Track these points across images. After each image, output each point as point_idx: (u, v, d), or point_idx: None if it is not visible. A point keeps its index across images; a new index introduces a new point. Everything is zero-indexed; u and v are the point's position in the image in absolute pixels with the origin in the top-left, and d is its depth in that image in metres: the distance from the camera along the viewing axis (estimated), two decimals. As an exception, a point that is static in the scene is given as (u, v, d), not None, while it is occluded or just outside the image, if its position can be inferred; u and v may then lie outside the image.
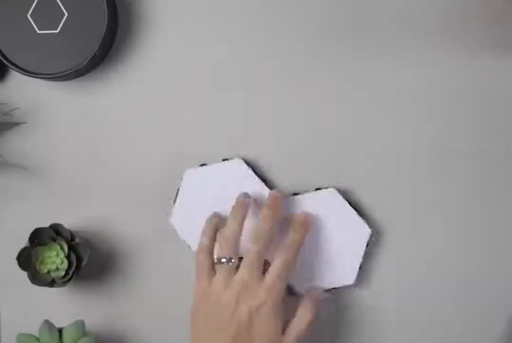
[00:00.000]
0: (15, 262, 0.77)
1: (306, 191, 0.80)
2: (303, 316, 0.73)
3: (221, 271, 0.72)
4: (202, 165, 0.81)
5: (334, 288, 0.79)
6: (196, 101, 0.81)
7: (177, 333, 0.81)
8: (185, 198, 0.80)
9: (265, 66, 0.81)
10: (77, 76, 0.82)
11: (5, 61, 0.80)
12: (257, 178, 0.79)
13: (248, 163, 0.80)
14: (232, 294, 0.71)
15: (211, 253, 0.75)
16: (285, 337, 0.72)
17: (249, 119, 0.81)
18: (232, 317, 0.71)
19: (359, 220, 0.79)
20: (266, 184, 0.80)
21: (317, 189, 0.80)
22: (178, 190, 0.80)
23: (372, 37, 0.81)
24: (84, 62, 0.79)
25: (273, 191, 0.77)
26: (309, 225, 0.77)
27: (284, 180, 0.81)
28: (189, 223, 0.80)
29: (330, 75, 0.81)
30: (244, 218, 0.75)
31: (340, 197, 0.79)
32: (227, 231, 0.74)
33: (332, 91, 0.81)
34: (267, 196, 0.78)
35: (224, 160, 0.80)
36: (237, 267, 0.73)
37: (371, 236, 0.79)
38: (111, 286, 0.83)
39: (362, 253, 0.79)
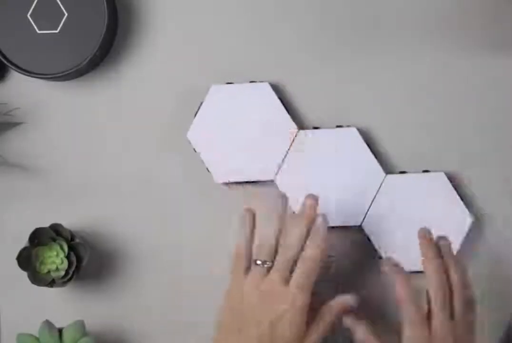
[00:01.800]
0: (15, 262, 0.77)
1: (327, 127, 0.79)
2: (323, 318, 0.74)
3: (255, 270, 0.74)
4: (228, 83, 0.80)
5: (340, 227, 0.78)
6: (196, 102, 0.81)
7: (177, 333, 0.81)
8: (206, 113, 0.79)
9: (265, 66, 0.81)
10: (77, 76, 0.82)
11: (5, 61, 0.80)
12: (280, 103, 0.79)
13: (275, 89, 0.79)
14: (259, 297, 0.72)
15: (247, 254, 0.75)
16: (306, 340, 0.72)
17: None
18: (257, 321, 0.72)
19: (376, 163, 0.78)
20: (288, 112, 0.79)
21: (338, 126, 0.79)
22: (201, 104, 0.79)
23: (372, 37, 0.81)
24: (84, 62, 0.79)
25: (309, 202, 0.74)
26: (325, 243, 0.74)
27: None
28: (205, 139, 0.79)
29: (330, 75, 0.81)
30: (281, 226, 0.74)
31: (360, 137, 0.78)
32: (265, 238, 0.74)
33: (332, 92, 0.81)
34: (287, 123, 0.78)
35: (251, 82, 0.80)
36: (271, 267, 0.73)
37: (384, 180, 0.78)
38: (111, 286, 0.83)
39: (373, 196, 0.78)
